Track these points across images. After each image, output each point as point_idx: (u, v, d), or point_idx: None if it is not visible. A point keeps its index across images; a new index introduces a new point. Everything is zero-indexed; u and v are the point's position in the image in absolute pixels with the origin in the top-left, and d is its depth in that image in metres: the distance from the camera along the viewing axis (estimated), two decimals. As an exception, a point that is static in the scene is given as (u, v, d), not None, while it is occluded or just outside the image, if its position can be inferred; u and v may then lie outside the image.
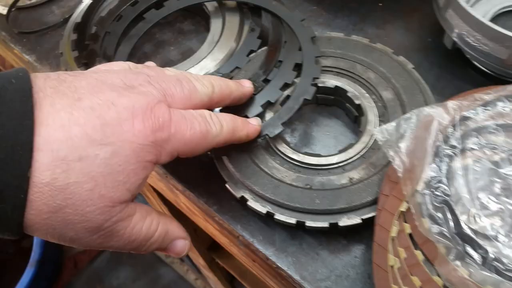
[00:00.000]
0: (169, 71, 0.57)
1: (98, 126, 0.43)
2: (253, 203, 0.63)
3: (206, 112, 0.55)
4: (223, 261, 1.80)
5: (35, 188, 0.41)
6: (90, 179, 0.43)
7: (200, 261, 1.88)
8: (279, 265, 0.63)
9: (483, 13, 0.79)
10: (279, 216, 0.62)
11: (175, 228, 0.54)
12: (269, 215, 0.62)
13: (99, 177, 0.44)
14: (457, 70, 0.75)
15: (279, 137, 0.69)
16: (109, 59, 0.79)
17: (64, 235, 0.45)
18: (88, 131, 0.42)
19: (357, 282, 0.61)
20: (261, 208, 0.62)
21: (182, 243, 0.55)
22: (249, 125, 0.62)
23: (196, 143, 0.52)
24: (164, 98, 0.51)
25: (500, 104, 0.63)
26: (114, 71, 0.52)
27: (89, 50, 0.80)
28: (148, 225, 0.51)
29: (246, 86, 0.66)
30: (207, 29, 0.86)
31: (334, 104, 0.78)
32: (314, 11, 0.91)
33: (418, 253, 0.56)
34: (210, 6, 0.88)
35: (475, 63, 0.74)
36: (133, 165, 0.46)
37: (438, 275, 0.55)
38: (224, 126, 0.55)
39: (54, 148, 0.41)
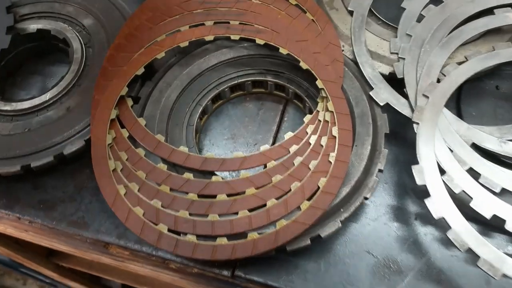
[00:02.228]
0: None
1: None
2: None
3: None
4: (68, 262, 1.71)
5: None
6: None
7: (51, 274, 1.76)
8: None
9: None
10: (1, 170, 0.59)
11: None
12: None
13: None
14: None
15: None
16: None
17: None
18: None
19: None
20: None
21: None
22: None
23: None
24: None
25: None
26: None
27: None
28: None
29: None
30: None
31: (54, 49, 0.75)
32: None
33: (139, 150, 0.59)
34: None
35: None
36: None
37: (163, 162, 0.59)
38: None
39: None
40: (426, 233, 0.57)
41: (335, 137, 0.57)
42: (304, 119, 0.61)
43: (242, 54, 0.68)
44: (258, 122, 0.68)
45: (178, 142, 0.62)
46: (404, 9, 0.68)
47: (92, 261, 1.67)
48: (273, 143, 0.66)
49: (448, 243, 0.54)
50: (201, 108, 0.65)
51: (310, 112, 0.64)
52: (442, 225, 0.54)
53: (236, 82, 0.67)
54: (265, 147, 0.59)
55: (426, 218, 0.57)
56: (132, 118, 0.61)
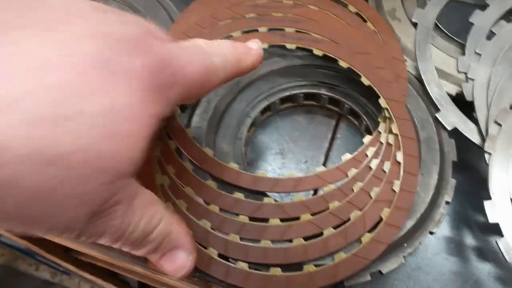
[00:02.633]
0: None
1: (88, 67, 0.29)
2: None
3: (200, 40, 0.40)
4: (87, 257, 1.70)
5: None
6: (78, 148, 0.29)
7: (67, 266, 1.76)
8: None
9: None
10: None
11: (181, 234, 0.40)
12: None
13: (91, 143, 0.29)
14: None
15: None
16: None
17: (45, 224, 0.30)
18: (69, 78, 0.28)
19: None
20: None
21: (184, 257, 0.40)
22: (252, 51, 0.47)
23: (200, 83, 0.37)
24: (148, 31, 0.35)
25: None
26: None
27: None
28: (150, 216, 0.36)
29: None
30: None
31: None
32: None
33: (187, 164, 0.55)
34: None
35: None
36: (136, 122, 0.31)
37: (212, 179, 0.55)
38: (228, 56, 0.42)
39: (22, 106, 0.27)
40: (489, 272, 0.53)
41: (399, 163, 0.53)
42: (364, 140, 0.57)
43: (295, 63, 0.64)
44: (308, 137, 0.64)
45: (226, 156, 0.58)
46: (472, 24, 0.63)
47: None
48: (325, 161, 0.62)
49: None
50: (251, 120, 0.62)
51: (367, 131, 0.60)
52: (506, 265, 0.50)
53: (288, 93, 0.64)
54: (320, 168, 0.55)
55: (490, 255, 0.53)
56: (180, 130, 0.57)
